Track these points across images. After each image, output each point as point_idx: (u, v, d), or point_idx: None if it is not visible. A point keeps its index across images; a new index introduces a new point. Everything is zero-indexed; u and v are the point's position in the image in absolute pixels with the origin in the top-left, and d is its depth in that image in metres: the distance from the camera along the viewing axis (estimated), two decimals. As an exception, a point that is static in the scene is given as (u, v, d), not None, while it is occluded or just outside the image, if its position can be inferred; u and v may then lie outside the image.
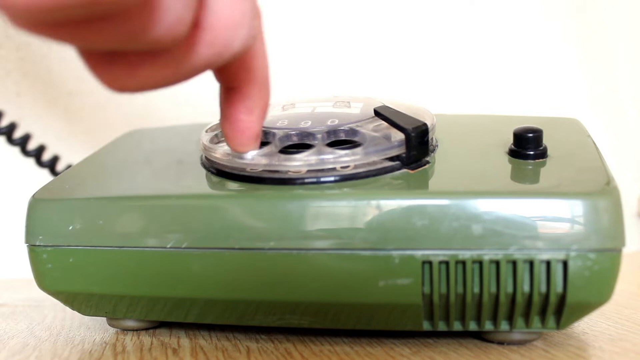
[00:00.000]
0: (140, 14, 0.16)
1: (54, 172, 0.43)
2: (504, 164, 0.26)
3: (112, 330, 0.30)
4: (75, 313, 0.33)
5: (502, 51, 0.54)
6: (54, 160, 0.43)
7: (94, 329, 0.30)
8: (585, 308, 0.23)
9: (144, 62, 0.18)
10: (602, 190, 0.23)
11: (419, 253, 0.23)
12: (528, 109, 0.54)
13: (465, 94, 0.54)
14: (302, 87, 0.52)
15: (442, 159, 0.27)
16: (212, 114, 0.48)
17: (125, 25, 0.16)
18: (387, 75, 0.53)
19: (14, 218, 0.47)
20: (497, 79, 0.54)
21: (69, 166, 0.37)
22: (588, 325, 0.28)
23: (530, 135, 0.26)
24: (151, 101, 0.50)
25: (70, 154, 0.49)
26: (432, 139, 0.28)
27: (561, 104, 0.55)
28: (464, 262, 0.23)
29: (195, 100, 0.51)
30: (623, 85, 0.56)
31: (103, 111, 0.50)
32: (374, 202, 0.23)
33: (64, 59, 0.49)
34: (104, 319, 0.31)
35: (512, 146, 0.27)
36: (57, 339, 0.28)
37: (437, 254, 0.23)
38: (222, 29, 0.18)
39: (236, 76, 0.22)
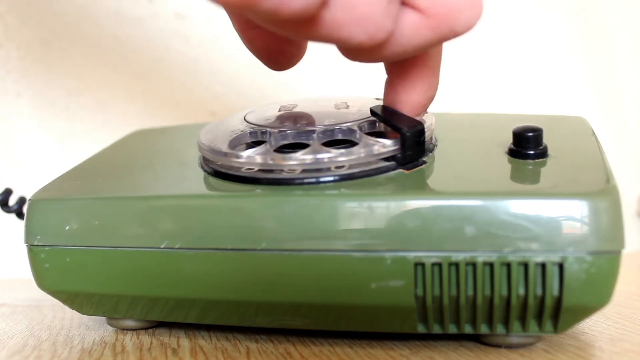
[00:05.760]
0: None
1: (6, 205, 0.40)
2: (503, 163, 0.26)
3: (111, 330, 0.30)
4: (75, 313, 0.33)
5: (502, 51, 0.54)
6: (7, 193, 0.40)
7: (93, 329, 0.30)
8: (583, 311, 0.23)
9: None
10: (600, 191, 0.22)
11: (411, 255, 0.23)
12: (529, 108, 0.54)
13: (466, 94, 0.54)
14: (301, 87, 0.52)
15: (440, 159, 0.26)
16: (211, 114, 0.48)
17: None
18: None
19: (14, 218, 0.47)
20: (498, 79, 0.54)
21: (22, 198, 0.35)
22: (588, 325, 0.27)
23: (530, 134, 0.26)
24: (151, 101, 0.50)
25: (70, 154, 0.49)
26: (431, 138, 0.27)
27: (561, 102, 0.55)
28: (457, 264, 0.23)
29: (194, 100, 0.51)
30: (623, 85, 0.56)
31: (103, 111, 0.50)
32: (365, 203, 0.23)
33: (64, 59, 0.49)
34: (104, 318, 0.31)
35: (512, 145, 0.26)
36: (56, 339, 0.29)
37: (429, 256, 0.23)
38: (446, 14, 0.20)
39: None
